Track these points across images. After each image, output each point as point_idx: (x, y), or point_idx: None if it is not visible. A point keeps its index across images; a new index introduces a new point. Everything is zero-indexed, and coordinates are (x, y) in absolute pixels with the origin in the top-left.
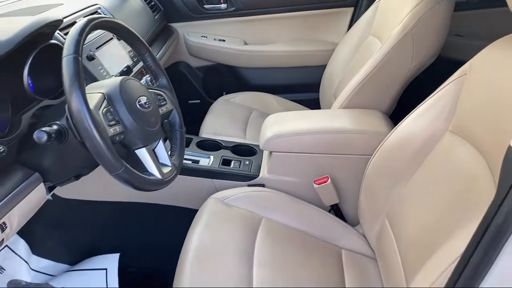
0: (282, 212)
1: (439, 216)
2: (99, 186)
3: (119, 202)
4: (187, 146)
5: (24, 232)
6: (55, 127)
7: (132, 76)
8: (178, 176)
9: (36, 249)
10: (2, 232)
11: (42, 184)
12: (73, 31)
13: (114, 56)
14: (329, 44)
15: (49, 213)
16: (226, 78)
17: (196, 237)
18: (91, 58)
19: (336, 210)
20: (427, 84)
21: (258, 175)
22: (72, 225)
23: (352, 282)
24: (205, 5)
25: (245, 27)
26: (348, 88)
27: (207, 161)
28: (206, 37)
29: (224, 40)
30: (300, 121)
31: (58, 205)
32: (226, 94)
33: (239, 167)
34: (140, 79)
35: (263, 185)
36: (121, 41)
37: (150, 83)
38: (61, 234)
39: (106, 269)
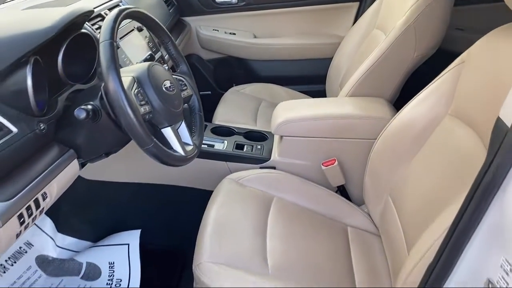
0: (292, 192)
1: (436, 190)
2: (121, 169)
3: (139, 183)
4: None
5: (50, 211)
6: (90, 106)
7: None
8: (195, 159)
9: (61, 228)
10: (43, 201)
11: (76, 160)
12: (108, 19)
13: (135, 46)
14: (335, 38)
15: (74, 193)
16: (236, 70)
17: (214, 213)
18: (116, 47)
19: (342, 191)
20: (429, 75)
21: (270, 158)
22: (95, 205)
23: (357, 256)
24: (216, 0)
25: (255, 21)
26: (354, 78)
27: (221, 145)
28: (218, 30)
29: (234, 34)
30: (309, 108)
31: (83, 186)
32: (235, 85)
33: (252, 151)
34: None
35: (274, 168)
36: (141, 32)
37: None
38: (85, 214)
39: (128, 244)
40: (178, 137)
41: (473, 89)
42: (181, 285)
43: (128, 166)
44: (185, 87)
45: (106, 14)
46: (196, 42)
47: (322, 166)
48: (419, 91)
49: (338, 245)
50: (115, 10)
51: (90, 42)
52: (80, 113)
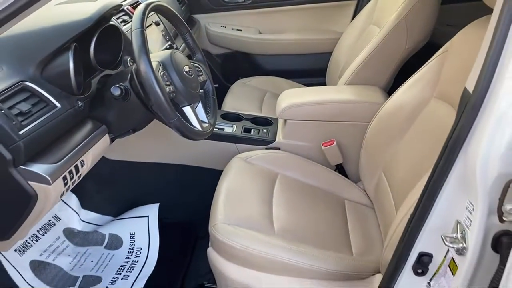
0: (294, 169)
1: (421, 160)
2: (141, 150)
3: (157, 163)
4: None
5: (75, 189)
6: (123, 86)
7: None
8: (207, 141)
9: (85, 204)
10: (81, 167)
11: (107, 135)
12: (138, 10)
13: (153, 39)
14: (334, 33)
15: (97, 172)
16: (242, 64)
17: (226, 185)
18: (145, 34)
19: (340, 169)
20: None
21: (275, 140)
22: (116, 183)
23: (353, 224)
24: None
25: (260, 18)
26: (351, 68)
27: (230, 129)
28: (225, 27)
29: (241, 30)
30: (310, 94)
31: (106, 166)
32: (242, 78)
33: (258, 134)
34: None
35: (278, 149)
36: (158, 27)
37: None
38: (107, 191)
39: (147, 216)
40: (196, 115)
41: (455, 74)
42: (195, 253)
43: (147, 147)
44: (201, 73)
45: (129, 10)
46: (205, 38)
47: (322, 146)
48: None
49: (336, 215)
50: (143, 4)
51: (117, 33)
52: (115, 91)
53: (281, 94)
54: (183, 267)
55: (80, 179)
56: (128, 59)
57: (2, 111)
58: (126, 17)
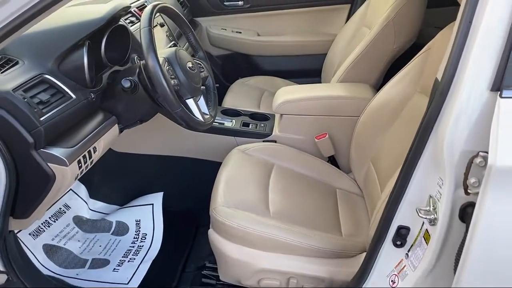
0: (290, 161)
1: (405, 148)
2: (146, 143)
3: (161, 155)
4: None
5: (84, 179)
6: (131, 80)
7: None
8: (207, 134)
9: (94, 194)
10: (94, 153)
11: (116, 125)
12: (146, 11)
13: (158, 39)
14: (329, 35)
15: (105, 164)
16: (242, 65)
17: (226, 173)
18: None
19: (332, 161)
20: None
21: (271, 134)
22: (123, 174)
23: (343, 210)
24: (225, 2)
25: (258, 21)
26: (343, 67)
27: (230, 123)
28: (225, 29)
29: (240, 32)
30: (305, 91)
31: (112, 158)
32: (241, 78)
33: (256, 128)
34: None
35: (275, 141)
36: (162, 28)
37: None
38: (113, 182)
39: (152, 204)
40: (198, 107)
41: (435, 70)
42: (196, 238)
43: (151, 140)
44: (203, 70)
45: (135, 12)
46: (206, 40)
47: (315, 139)
48: None
49: (328, 201)
50: (150, 5)
51: (125, 33)
52: (126, 83)
53: (277, 91)
54: (186, 251)
55: (92, 164)
56: (135, 56)
57: (25, 100)
58: (133, 18)
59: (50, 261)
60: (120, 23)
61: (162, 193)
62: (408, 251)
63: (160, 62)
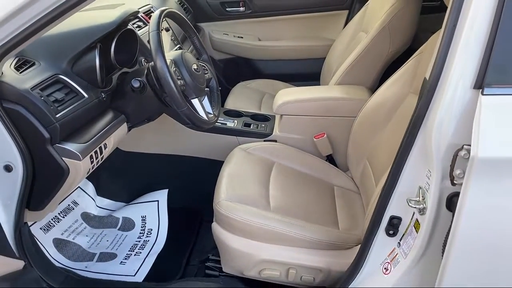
0: (289, 159)
1: (398, 145)
2: (151, 142)
3: (165, 154)
4: None
5: (91, 177)
6: (140, 80)
7: None
8: (211, 134)
9: (100, 191)
10: (104, 149)
11: (125, 124)
12: (154, 16)
13: (163, 43)
14: (328, 40)
15: (111, 162)
16: (243, 68)
17: (228, 169)
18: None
19: (330, 159)
20: None
21: (272, 134)
22: (129, 173)
23: (341, 206)
24: (227, 8)
25: (259, 26)
26: (341, 70)
27: (232, 124)
28: (227, 34)
29: (242, 37)
30: (304, 92)
31: (119, 157)
32: (242, 81)
33: (257, 128)
34: None
35: (275, 141)
36: (167, 32)
37: None
38: (120, 180)
39: (157, 200)
40: (203, 107)
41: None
42: (200, 234)
43: (157, 140)
44: (207, 72)
45: (143, 17)
46: (209, 45)
47: (314, 139)
48: None
49: (326, 198)
50: (158, 10)
51: (133, 37)
52: (135, 83)
53: (278, 92)
54: (189, 245)
55: (103, 160)
56: (143, 59)
57: (42, 98)
58: (140, 23)
59: (60, 254)
60: (129, 27)
61: (167, 190)
62: (400, 240)
63: (168, 64)
